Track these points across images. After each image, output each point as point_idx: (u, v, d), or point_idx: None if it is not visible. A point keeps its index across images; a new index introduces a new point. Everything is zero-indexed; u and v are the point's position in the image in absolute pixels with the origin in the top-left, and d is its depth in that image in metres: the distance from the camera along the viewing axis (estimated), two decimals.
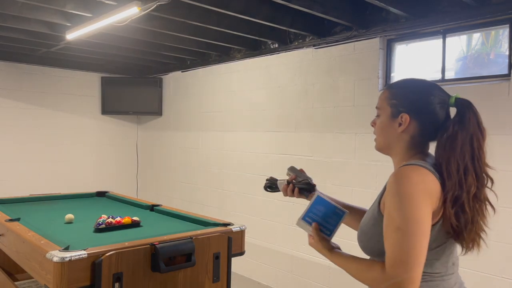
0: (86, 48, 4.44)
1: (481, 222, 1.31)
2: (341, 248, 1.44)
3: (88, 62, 5.42)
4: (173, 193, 5.56)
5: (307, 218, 1.46)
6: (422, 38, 3.17)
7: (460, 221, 1.21)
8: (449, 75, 3.01)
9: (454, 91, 2.90)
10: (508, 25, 2.72)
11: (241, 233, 2.69)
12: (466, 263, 2.80)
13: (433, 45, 3.10)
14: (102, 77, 5.85)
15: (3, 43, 4.37)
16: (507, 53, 2.72)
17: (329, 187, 3.66)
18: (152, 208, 3.42)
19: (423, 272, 1.14)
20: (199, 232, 2.51)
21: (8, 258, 2.73)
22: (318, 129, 3.76)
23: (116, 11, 2.95)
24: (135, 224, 2.74)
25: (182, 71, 5.42)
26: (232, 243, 2.59)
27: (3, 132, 5.13)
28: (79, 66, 5.54)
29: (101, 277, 2.01)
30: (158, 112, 5.80)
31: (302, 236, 3.90)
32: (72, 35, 3.60)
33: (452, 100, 1.33)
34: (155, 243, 2.23)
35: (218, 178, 4.85)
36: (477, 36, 2.94)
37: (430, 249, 1.17)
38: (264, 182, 1.75)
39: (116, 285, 2.07)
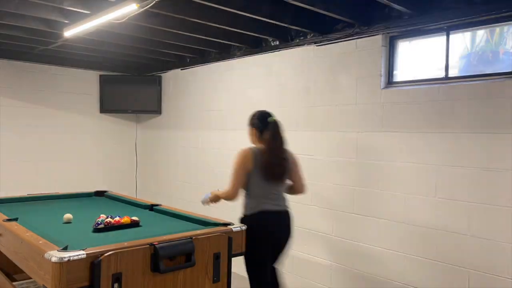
0: (84, 45, 4.41)
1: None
2: None
3: (86, 60, 5.39)
4: (173, 193, 5.53)
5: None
6: (425, 35, 3.13)
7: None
8: (453, 72, 2.97)
9: (458, 89, 2.90)
10: None
11: (242, 233, 2.68)
12: (470, 263, 2.78)
13: (436, 42, 3.06)
14: (100, 75, 5.82)
15: (0, 40, 4.34)
16: None
17: (331, 187, 3.63)
18: (152, 207, 3.41)
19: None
20: (199, 232, 2.49)
21: (6, 258, 2.71)
22: (319, 127, 3.73)
23: (114, 8, 2.93)
24: (134, 224, 2.72)
25: (181, 69, 5.39)
26: (233, 243, 2.57)
27: (0, 131, 5.10)
28: (77, 64, 5.51)
29: (100, 278, 2.00)
30: (157, 110, 5.77)
31: (303, 236, 3.88)
32: (69, 32, 3.57)
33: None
34: (154, 243, 2.22)
35: (218, 177, 4.82)
36: (481, 33, 2.90)
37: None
38: None
39: (115, 285, 2.05)
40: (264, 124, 2.87)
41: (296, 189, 3.01)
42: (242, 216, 2.87)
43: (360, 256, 3.39)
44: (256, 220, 2.78)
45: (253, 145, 2.92)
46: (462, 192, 2.84)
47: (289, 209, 2.95)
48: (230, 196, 2.80)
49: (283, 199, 2.92)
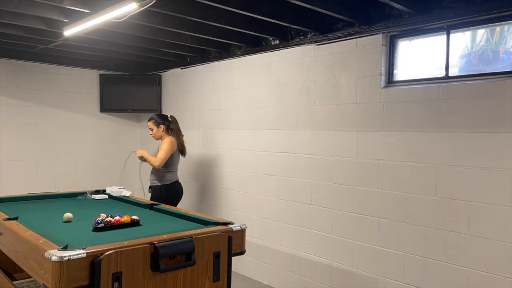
0: (84, 44, 4.40)
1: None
2: None
3: (86, 59, 5.38)
4: None
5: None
6: (425, 35, 3.13)
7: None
8: (453, 72, 2.97)
9: (458, 88, 2.90)
10: None
11: (242, 232, 2.67)
12: (470, 262, 2.78)
13: (436, 41, 3.06)
14: (100, 74, 5.81)
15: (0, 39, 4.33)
16: None
17: (331, 186, 3.63)
18: (152, 207, 3.40)
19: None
20: (199, 231, 2.49)
21: (6, 257, 2.71)
22: (319, 127, 3.73)
23: (114, 7, 2.92)
24: (134, 223, 2.72)
25: (181, 68, 5.39)
26: (233, 242, 2.57)
27: (0, 130, 5.09)
28: (77, 63, 5.50)
29: (100, 277, 1.99)
30: (157, 109, 5.76)
31: (303, 235, 3.88)
32: (69, 32, 3.57)
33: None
34: (154, 242, 2.21)
35: (218, 177, 4.82)
36: (481, 32, 2.90)
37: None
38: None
39: (115, 284, 2.05)
40: (168, 121, 4.38)
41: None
42: (161, 184, 4.24)
43: (360, 255, 3.39)
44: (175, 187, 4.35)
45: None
46: (462, 192, 2.84)
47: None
48: (157, 165, 4.19)
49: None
